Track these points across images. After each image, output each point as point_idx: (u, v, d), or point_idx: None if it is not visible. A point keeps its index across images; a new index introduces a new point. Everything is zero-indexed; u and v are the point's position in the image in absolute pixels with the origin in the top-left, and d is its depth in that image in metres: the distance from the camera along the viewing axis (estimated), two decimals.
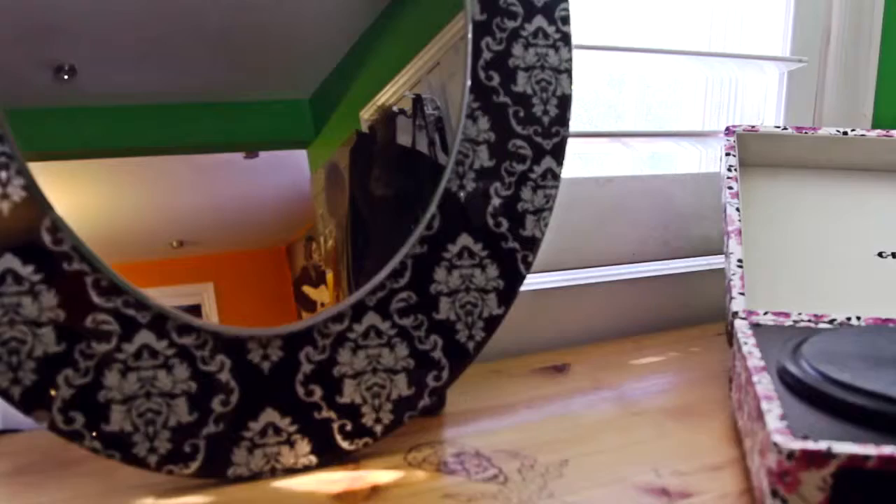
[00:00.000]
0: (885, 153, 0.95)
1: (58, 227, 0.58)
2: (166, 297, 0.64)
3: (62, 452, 0.69)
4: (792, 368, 0.66)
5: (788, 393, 0.64)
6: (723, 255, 0.89)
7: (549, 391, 0.84)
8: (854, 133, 0.95)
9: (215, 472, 0.64)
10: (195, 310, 0.67)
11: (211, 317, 0.68)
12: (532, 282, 0.96)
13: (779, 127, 0.98)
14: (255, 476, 0.65)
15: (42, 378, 0.59)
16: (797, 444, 0.55)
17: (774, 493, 0.55)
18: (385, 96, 0.74)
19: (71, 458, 0.69)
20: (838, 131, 0.95)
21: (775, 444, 0.55)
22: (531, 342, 0.95)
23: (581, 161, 1.21)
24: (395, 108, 0.74)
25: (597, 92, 1.28)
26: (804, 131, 0.96)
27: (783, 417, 0.59)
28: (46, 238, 0.58)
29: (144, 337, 0.61)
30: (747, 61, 1.15)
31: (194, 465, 0.63)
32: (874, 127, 1.23)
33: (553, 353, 0.94)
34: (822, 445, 0.54)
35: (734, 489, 0.65)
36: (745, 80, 1.23)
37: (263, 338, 0.65)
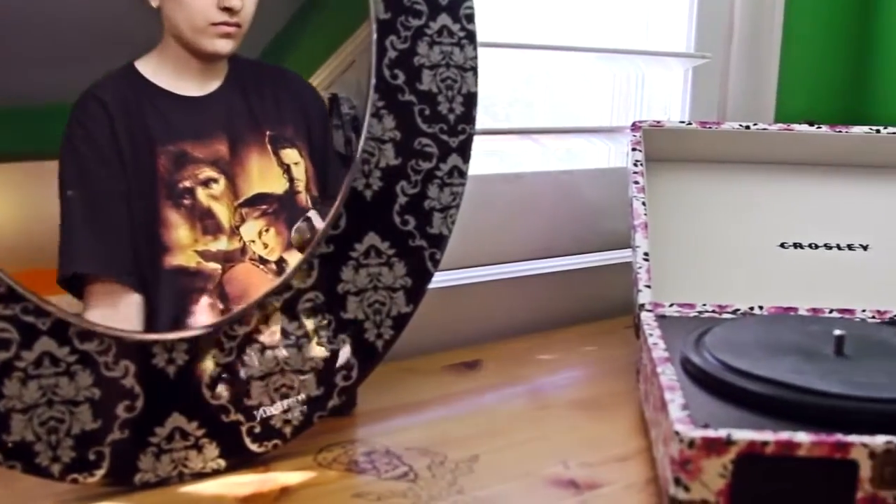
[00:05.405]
0: (786, 146, 0.97)
1: None
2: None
3: None
4: (694, 358, 0.67)
5: (691, 382, 0.66)
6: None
7: (461, 388, 0.85)
8: (756, 127, 0.97)
9: (122, 480, 0.63)
10: None
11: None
12: (441, 279, 0.97)
13: (683, 122, 1.00)
14: (162, 482, 0.64)
15: None
16: (698, 433, 0.56)
17: (677, 481, 0.56)
18: None
19: None
20: (741, 126, 0.97)
21: (676, 433, 0.56)
22: (443, 339, 0.95)
23: (497, 158, 1.22)
24: None
25: (514, 89, 1.29)
26: (708, 126, 0.97)
27: (685, 407, 0.60)
28: None
29: (45, 344, 0.60)
30: (652, 58, 1.17)
31: (100, 473, 0.62)
32: (776, 121, 1.26)
33: (464, 350, 0.95)
34: (721, 433, 0.56)
35: (640, 479, 0.66)
36: (652, 76, 1.24)
37: (168, 342, 0.64)
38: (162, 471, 0.64)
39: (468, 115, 0.76)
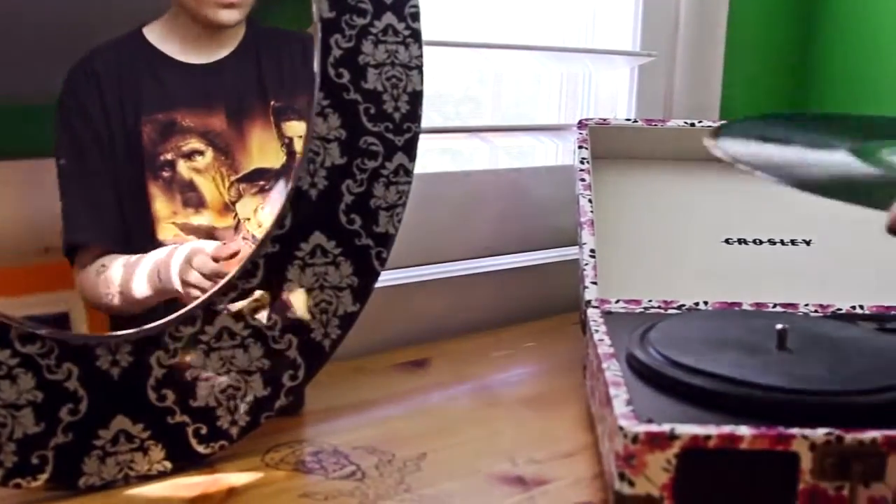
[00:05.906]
0: None
1: None
2: (31, 304, 0.63)
3: None
4: (639, 354, 0.68)
5: (636, 378, 0.66)
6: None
7: (410, 386, 0.85)
8: (701, 125, 0.98)
9: (66, 484, 0.63)
10: (63, 318, 0.66)
11: (79, 324, 0.67)
12: (388, 278, 0.96)
13: (629, 120, 1.01)
14: (107, 485, 0.64)
15: None
16: (641, 428, 0.56)
17: (622, 477, 0.57)
18: None
19: None
20: (686, 123, 0.98)
21: (621, 428, 0.57)
22: (390, 338, 0.95)
23: (448, 156, 1.22)
24: None
25: (468, 88, 1.29)
26: (654, 123, 0.98)
27: (629, 402, 0.61)
28: None
29: None
30: (599, 56, 1.17)
31: (43, 478, 0.62)
32: (721, 118, 1.27)
33: (412, 349, 0.95)
34: (665, 427, 0.56)
35: (587, 474, 0.66)
36: (599, 74, 1.25)
37: (112, 343, 0.64)
38: (107, 474, 0.64)
39: (414, 114, 0.76)
